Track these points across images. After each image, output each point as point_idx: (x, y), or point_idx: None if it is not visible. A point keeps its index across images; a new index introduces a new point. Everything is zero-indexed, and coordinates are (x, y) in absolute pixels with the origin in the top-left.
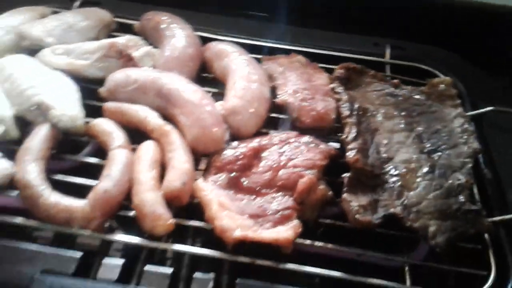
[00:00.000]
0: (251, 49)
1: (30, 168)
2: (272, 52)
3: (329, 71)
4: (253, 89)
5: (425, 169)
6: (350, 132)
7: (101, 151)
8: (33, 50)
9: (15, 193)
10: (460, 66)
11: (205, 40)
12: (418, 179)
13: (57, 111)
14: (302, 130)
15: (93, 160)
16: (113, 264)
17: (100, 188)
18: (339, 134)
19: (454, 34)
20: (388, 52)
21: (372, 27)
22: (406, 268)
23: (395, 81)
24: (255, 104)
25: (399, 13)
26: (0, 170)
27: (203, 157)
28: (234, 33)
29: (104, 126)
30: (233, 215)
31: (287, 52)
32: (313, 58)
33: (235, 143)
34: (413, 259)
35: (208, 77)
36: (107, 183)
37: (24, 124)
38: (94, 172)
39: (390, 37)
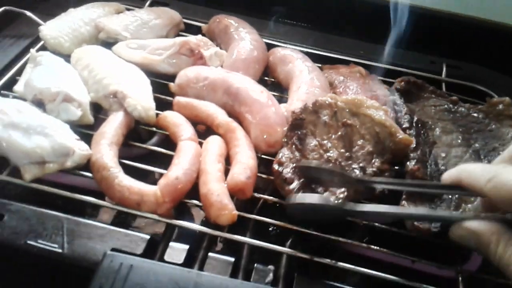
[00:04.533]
0: (311, 58)
1: (106, 151)
2: (332, 62)
3: (387, 84)
4: (316, 94)
5: None
6: None
7: (166, 143)
8: (107, 42)
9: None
10: None
11: (267, 46)
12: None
13: (133, 100)
14: None
15: (160, 149)
16: (177, 248)
17: (171, 175)
18: None
19: (508, 56)
20: (444, 70)
21: (429, 45)
22: (460, 279)
23: (453, 97)
24: None
25: (456, 34)
26: (79, 151)
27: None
28: (296, 42)
29: (175, 118)
30: None
31: (347, 63)
32: (371, 70)
33: None
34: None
35: (268, 80)
36: (177, 171)
37: (95, 111)
38: (159, 161)
39: (446, 56)
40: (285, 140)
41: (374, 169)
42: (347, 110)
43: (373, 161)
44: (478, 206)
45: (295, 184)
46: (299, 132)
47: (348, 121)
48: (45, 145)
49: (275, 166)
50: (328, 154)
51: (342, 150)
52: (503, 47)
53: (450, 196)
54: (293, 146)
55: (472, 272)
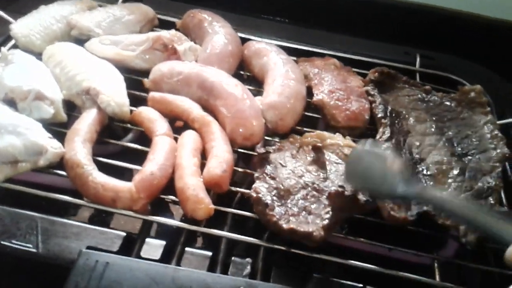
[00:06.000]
0: (287, 51)
1: (80, 149)
2: (307, 55)
3: (362, 75)
4: (291, 86)
5: (456, 171)
6: (384, 133)
7: (141, 139)
8: (79, 39)
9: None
10: (486, 77)
11: (242, 40)
12: (450, 180)
13: (106, 96)
14: (336, 129)
15: (135, 146)
16: (154, 244)
17: (146, 170)
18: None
19: (480, 46)
20: (418, 61)
21: (403, 36)
22: (436, 265)
23: (427, 87)
24: (293, 100)
25: (429, 25)
26: (52, 149)
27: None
28: (271, 36)
29: (149, 114)
30: None
31: (321, 56)
32: (347, 62)
33: None
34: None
35: (244, 74)
36: (152, 166)
37: (69, 109)
38: (135, 157)
39: (420, 47)
40: (257, 175)
41: None
42: (311, 146)
43: None
44: (452, 193)
45: (277, 210)
46: (269, 166)
47: (317, 144)
48: (17, 144)
49: (254, 194)
50: (304, 178)
51: (317, 173)
52: (476, 37)
53: (425, 184)
54: (267, 177)
55: (448, 258)
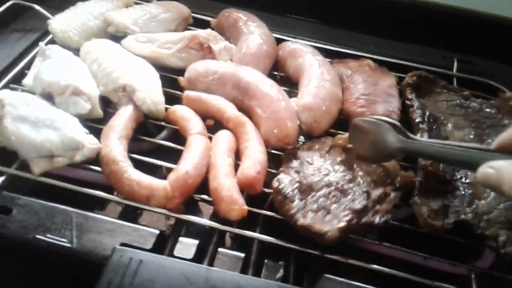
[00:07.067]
0: (321, 52)
1: (116, 145)
2: (341, 56)
3: (398, 79)
4: (327, 88)
5: None
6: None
7: (174, 137)
8: (116, 36)
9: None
10: None
11: (277, 41)
12: (489, 189)
13: (142, 94)
14: None
15: (170, 144)
16: (187, 243)
17: (181, 169)
18: None
19: None
20: (455, 65)
21: (440, 40)
22: (473, 276)
23: (465, 92)
24: (328, 103)
25: (467, 29)
26: (89, 144)
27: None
28: (305, 36)
29: (184, 112)
30: None
31: (356, 58)
32: (382, 65)
33: None
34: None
35: (277, 75)
36: (187, 165)
37: (104, 105)
38: (166, 155)
39: (457, 52)
40: (282, 169)
41: (379, 193)
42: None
43: (378, 187)
44: (491, 202)
45: (297, 203)
46: (295, 161)
47: (348, 145)
48: (54, 138)
49: (275, 183)
50: (329, 177)
51: (344, 174)
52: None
53: (463, 192)
54: (291, 170)
55: (485, 269)
